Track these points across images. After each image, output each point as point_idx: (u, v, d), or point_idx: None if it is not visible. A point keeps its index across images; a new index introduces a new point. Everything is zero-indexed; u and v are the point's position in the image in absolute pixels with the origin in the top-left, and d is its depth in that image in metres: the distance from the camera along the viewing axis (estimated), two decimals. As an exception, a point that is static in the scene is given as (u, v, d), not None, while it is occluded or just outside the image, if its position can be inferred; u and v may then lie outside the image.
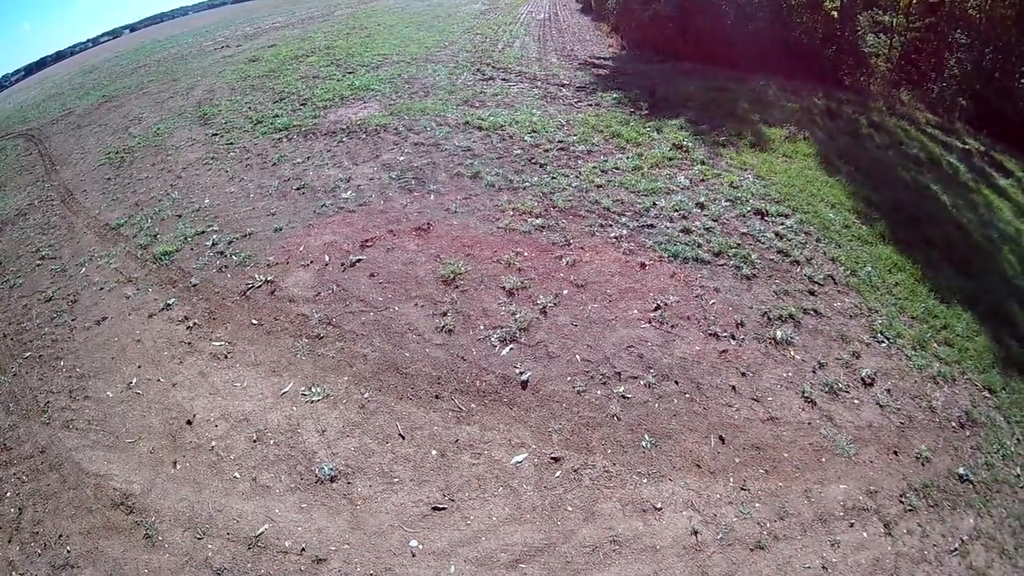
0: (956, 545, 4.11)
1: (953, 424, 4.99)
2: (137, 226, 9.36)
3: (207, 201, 9.41)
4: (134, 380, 6.02)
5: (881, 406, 4.96)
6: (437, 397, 4.94)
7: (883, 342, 5.64)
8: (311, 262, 6.97)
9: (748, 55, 14.81)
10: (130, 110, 18.38)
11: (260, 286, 6.76)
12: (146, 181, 11.21)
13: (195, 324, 6.51)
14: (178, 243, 8.32)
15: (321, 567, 3.92)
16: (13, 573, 4.78)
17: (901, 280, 6.62)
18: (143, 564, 4.34)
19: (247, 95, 15.51)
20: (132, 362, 6.31)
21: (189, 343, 6.27)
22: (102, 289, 7.96)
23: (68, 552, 4.66)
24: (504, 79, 13.49)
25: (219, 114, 14.43)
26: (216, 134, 12.83)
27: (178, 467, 4.92)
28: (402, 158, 9.28)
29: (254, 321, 6.26)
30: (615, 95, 11.82)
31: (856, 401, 4.97)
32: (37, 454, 5.75)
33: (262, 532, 4.25)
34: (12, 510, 5.26)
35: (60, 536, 4.81)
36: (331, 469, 4.52)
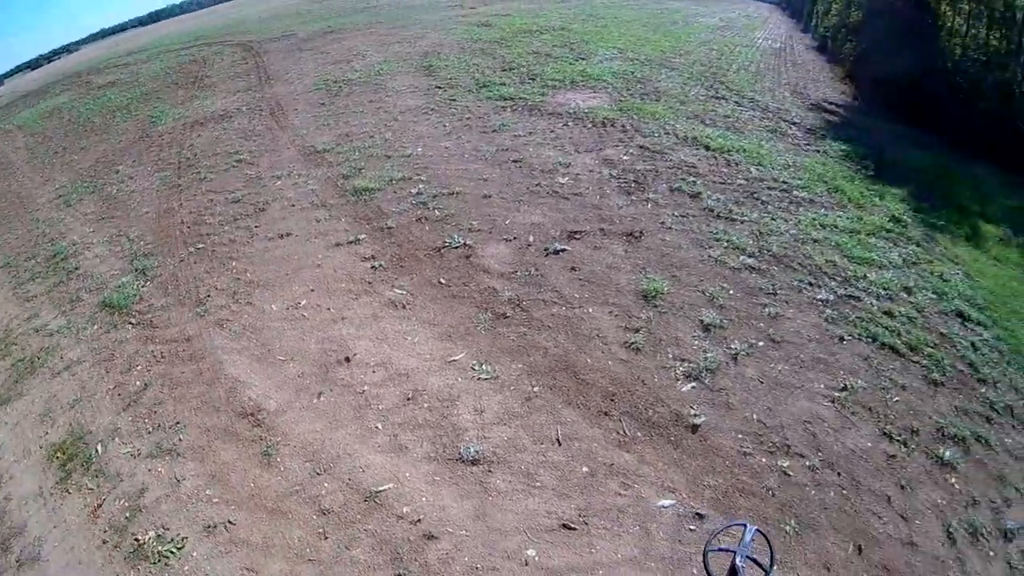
0: None
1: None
2: (343, 156, 9.49)
3: (419, 150, 9.48)
4: (303, 302, 5.91)
5: (1011, 566, 4.32)
6: (605, 414, 4.62)
7: (1041, 496, 4.84)
8: (514, 238, 6.68)
9: (976, 136, 13.25)
10: (353, 45, 19.21)
11: (457, 248, 6.57)
12: (359, 115, 11.53)
13: (380, 266, 6.39)
14: (381, 183, 8.26)
15: (429, 544, 3.74)
16: (117, 439, 4.71)
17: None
18: (251, 478, 4.18)
19: (475, 57, 15.61)
20: (305, 284, 6.21)
21: (369, 282, 6.14)
22: (294, 206, 7.93)
23: (179, 440, 4.57)
24: (737, 102, 12.79)
25: (444, 69, 14.51)
26: (439, 87, 12.96)
27: (321, 399, 4.74)
28: (625, 157, 8.83)
29: (441, 280, 6.07)
30: (843, 147, 10.90)
31: (991, 552, 4.36)
32: (181, 340, 5.67)
33: (383, 490, 4.04)
34: (138, 383, 5.23)
35: (177, 423, 4.73)
36: (476, 452, 4.27)
